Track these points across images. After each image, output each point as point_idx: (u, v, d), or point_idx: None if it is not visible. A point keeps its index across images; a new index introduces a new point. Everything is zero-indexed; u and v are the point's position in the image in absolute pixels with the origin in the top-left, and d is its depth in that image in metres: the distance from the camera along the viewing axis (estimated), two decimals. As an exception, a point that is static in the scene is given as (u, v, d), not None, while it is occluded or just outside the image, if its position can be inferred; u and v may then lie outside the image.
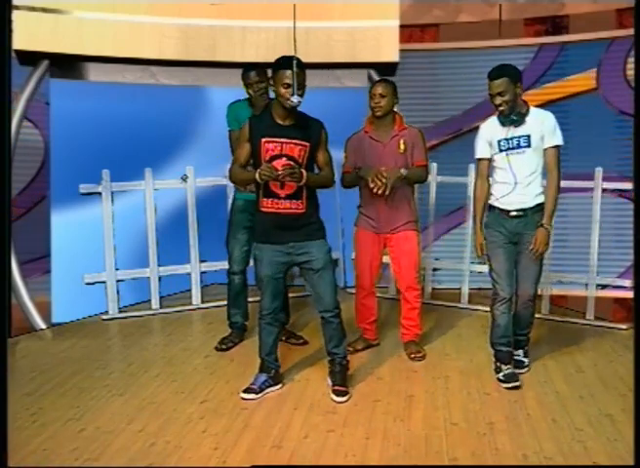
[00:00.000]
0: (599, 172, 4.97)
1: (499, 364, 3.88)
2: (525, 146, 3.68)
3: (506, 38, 6.68)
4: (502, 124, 3.71)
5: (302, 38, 5.70)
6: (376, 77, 6.21)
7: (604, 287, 5.27)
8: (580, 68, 6.61)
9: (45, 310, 5.89)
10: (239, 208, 4.35)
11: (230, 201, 4.61)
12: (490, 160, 3.82)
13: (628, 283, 5.12)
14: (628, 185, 5.01)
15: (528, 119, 3.69)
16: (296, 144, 3.48)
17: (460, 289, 5.52)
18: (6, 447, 2.89)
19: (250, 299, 4.58)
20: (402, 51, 6.24)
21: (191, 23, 6.15)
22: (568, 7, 6.68)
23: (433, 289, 5.65)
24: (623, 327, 4.85)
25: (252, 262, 4.53)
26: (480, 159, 3.86)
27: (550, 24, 6.71)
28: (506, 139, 3.70)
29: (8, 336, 4.48)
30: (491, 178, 3.87)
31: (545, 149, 3.71)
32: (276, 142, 3.47)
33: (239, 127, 4.22)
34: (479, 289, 5.59)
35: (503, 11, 6.69)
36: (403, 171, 4.03)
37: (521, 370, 3.94)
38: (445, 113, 6.78)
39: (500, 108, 3.65)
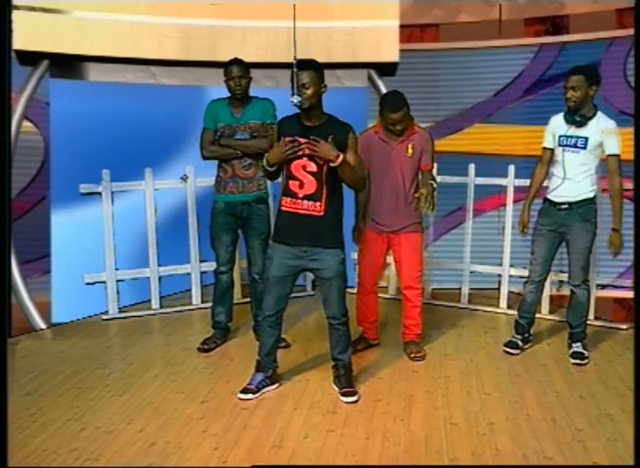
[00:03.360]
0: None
1: (518, 333, 4.38)
2: (581, 147, 3.98)
3: (506, 38, 6.68)
4: (567, 121, 4.02)
5: (302, 38, 5.73)
6: (376, 77, 6.22)
7: (604, 287, 5.27)
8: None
9: (45, 310, 5.89)
10: (220, 210, 4.31)
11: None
12: (553, 151, 4.13)
13: (628, 283, 5.12)
14: (628, 185, 5.01)
15: (590, 123, 3.96)
16: None
17: (460, 289, 5.52)
18: (6, 447, 2.89)
19: (235, 301, 4.57)
20: (402, 51, 6.24)
21: (191, 23, 6.16)
22: (568, 7, 6.69)
23: (433, 289, 5.64)
24: (623, 327, 4.85)
25: (245, 262, 4.56)
26: (544, 148, 4.18)
27: (550, 24, 6.71)
28: (566, 136, 4.03)
29: (8, 336, 4.48)
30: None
31: (608, 156, 4.01)
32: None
33: (214, 127, 4.23)
34: (479, 289, 5.60)
35: (503, 11, 6.69)
36: (434, 183, 4.13)
37: (582, 362, 4.11)
38: (445, 113, 6.79)
39: (569, 103, 3.94)
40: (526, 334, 4.39)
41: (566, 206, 4.06)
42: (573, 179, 4.02)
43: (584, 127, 3.96)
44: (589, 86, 3.90)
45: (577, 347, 4.21)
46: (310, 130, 3.47)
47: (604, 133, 3.96)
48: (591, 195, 4.07)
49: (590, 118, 3.96)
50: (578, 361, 4.13)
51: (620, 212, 4.06)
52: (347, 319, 3.69)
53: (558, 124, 4.07)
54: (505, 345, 4.35)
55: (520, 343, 4.35)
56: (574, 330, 4.26)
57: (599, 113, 3.99)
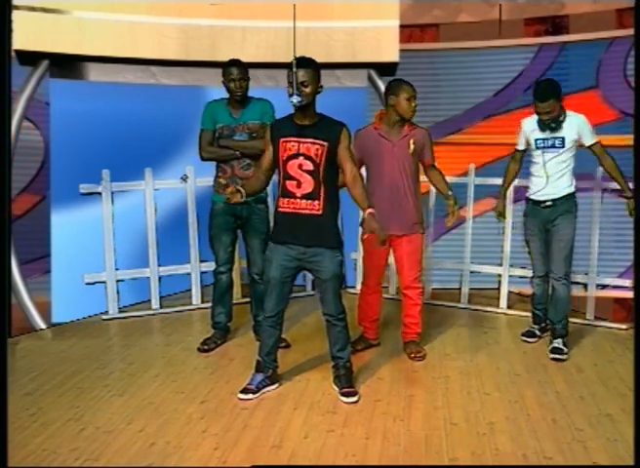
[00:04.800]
0: (599, 172, 4.97)
1: (534, 326, 4.62)
2: (559, 147, 4.20)
3: (506, 38, 6.70)
4: (542, 129, 4.22)
5: (302, 38, 5.72)
6: (376, 77, 6.21)
7: (604, 287, 5.27)
8: (580, 68, 6.62)
9: (45, 310, 5.90)
10: (219, 210, 4.31)
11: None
12: (524, 151, 4.40)
13: (628, 283, 5.12)
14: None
15: (564, 124, 4.18)
16: (313, 144, 3.46)
17: (460, 289, 5.52)
18: (6, 447, 2.89)
19: (235, 301, 4.58)
20: (402, 51, 6.24)
21: (191, 23, 6.16)
22: (568, 7, 6.70)
23: (433, 289, 5.64)
24: (623, 327, 4.85)
25: (245, 262, 4.57)
26: (516, 150, 4.46)
27: (550, 24, 6.72)
28: (543, 139, 4.23)
29: (8, 336, 4.48)
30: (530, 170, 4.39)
31: (590, 147, 4.24)
32: (293, 142, 3.47)
33: (213, 128, 4.23)
34: (479, 289, 5.60)
35: (503, 11, 6.70)
36: (451, 193, 4.20)
37: (561, 357, 4.20)
38: (445, 113, 6.80)
39: (546, 121, 4.16)
40: (543, 324, 4.59)
41: (550, 203, 4.26)
42: (554, 177, 4.23)
43: (560, 129, 4.19)
44: (559, 102, 4.13)
45: (557, 343, 4.28)
46: (305, 129, 3.48)
47: (579, 131, 4.17)
48: (572, 190, 4.27)
49: (563, 121, 4.18)
50: (556, 356, 4.19)
51: (624, 182, 4.26)
52: (345, 315, 3.69)
53: (532, 129, 4.26)
54: (523, 334, 4.57)
55: (537, 332, 4.59)
56: (555, 326, 4.34)
57: (568, 112, 4.21)
